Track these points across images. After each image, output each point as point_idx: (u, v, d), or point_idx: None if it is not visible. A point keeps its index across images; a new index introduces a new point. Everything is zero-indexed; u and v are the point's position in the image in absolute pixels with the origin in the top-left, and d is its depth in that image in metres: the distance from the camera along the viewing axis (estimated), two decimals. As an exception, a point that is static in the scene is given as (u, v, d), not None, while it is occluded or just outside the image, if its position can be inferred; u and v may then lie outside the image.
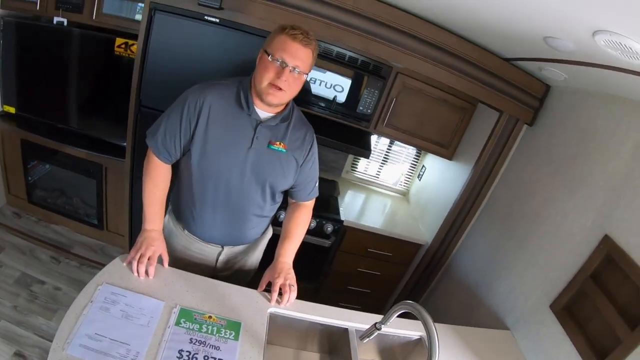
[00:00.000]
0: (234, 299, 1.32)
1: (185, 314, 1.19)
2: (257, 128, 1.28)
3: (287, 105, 1.34)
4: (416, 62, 1.93)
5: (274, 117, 1.30)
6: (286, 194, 1.51)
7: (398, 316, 1.14)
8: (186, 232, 1.47)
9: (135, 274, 1.26)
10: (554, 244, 1.69)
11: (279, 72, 1.19)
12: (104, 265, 2.38)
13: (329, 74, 2.07)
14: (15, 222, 2.60)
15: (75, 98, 2.33)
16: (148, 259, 1.27)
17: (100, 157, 2.35)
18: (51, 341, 1.90)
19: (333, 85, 2.10)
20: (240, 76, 1.35)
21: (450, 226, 2.30)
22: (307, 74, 1.26)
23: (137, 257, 1.26)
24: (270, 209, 1.49)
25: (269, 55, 1.19)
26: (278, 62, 1.18)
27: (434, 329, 0.96)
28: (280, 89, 1.20)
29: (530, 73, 2.00)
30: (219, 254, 1.50)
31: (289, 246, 1.45)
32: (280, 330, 1.37)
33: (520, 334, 1.70)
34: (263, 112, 1.29)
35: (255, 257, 1.64)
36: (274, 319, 1.33)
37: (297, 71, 1.20)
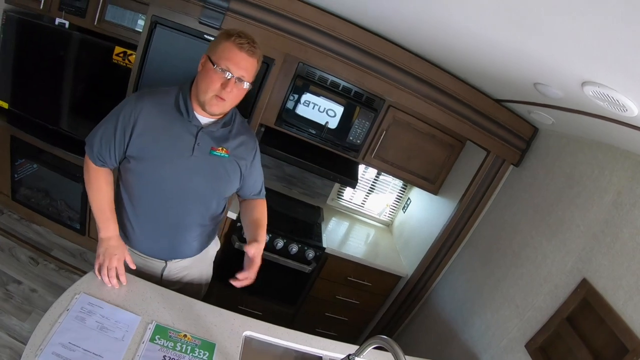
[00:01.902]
0: (209, 319, 1.31)
1: (161, 331, 1.18)
2: (198, 134, 1.25)
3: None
4: (408, 97, 1.97)
5: (215, 123, 1.28)
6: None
7: (373, 348, 1.14)
8: (127, 246, 1.38)
9: (109, 285, 1.25)
10: (532, 285, 1.71)
11: (224, 84, 1.16)
12: (82, 271, 2.40)
13: (320, 98, 2.09)
14: (-4, 217, 2.58)
15: (69, 100, 2.33)
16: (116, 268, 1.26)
17: (88, 162, 2.34)
18: (23, 343, 1.90)
19: (326, 110, 2.12)
20: (179, 84, 1.31)
21: (431, 260, 2.32)
22: (251, 83, 1.23)
23: (105, 270, 1.25)
24: (214, 217, 1.44)
25: (213, 64, 1.16)
26: (222, 72, 1.15)
27: None
28: (223, 99, 1.19)
29: (519, 115, 2.04)
30: (163, 269, 1.44)
31: (262, 233, 1.39)
32: (254, 354, 1.36)
33: None
34: (203, 118, 1.26)
35: (204, 269, 1.59)
36: (248, 343, 1.33)
37: (242, 81, 1.19)
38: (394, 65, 1.91)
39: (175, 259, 1.44)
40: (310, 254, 2.28)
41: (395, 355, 1.00)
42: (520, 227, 1.92)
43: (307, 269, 2.29)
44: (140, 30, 2.10)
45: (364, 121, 2.13)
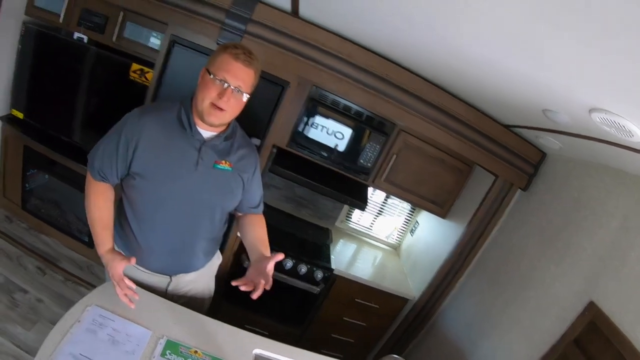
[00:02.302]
0: (220, 336, 1.31)
1: (172, 346, 1.19)
2: (201, 148, 1.26)
3: (229, 124, 1.32)
4: (419, 122, 2.00)
5: (217, 136, 1.28)
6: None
7: (390, 352, 1.13)
8: (127, 261, 1.31)
9: (124, 301, 1.25)
10: (540, 308, 1.71)
11: (221, 92, 1.18)
12: (89, 283, 2.40)
13: (331, 120, 2.13)
14: (5, 226, 2.59)
15: (83, 114, 2.35)
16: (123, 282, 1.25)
17: (100, 175, 2.35)
18: (27, 352, 1.89)
19: (337, 133, 2.15)
20: (180, 98, 1.32)
21: (439, 283, 2.32)
22: (249, 94, 1.24)
23: (118, 289, 1.25)
24: (219, 230, 1.46)
25: (210, 75, 1.18)
26: (220, 82, 1.17)
27: None
28: (222, 109, 1.19)
29: (527, 140, 2.07)
30: (168, 284, 1.44)
31: (268, 250, 1.37)
32: None
33: None
34: (206, 132, 1.27)
35: (207, 283, 1.58)
36: None
37: (239, 91, 1.20)
38: (407, 90, 1.94)
39: (180, 273, 1.44)
40: (319, 275, 2.28)
41: None
42: (528, 250, 1.93)
43: (316, 289, 2.29)
44: (158, 49, 2.13)
45: (374, 145, 2.15)
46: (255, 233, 1.44)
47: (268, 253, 1.33)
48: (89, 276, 2.46)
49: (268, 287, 1.20)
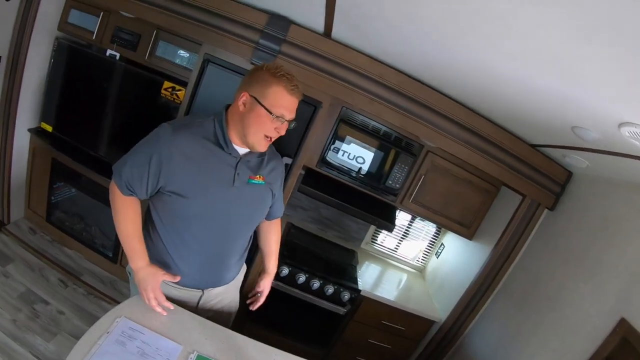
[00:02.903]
0: (250, 352, 1.30)
1: None
2: (237, 165, 1.26)
3: None
4: (449, 142, 2.01)
5: (251, 153, 1.30)
6: None
7: None
8: (162, 275, 1.32)
9: (158, 310, 1.27)
10: (569, 329, 1.69)
11: (278, 127, 1.21)
12: (111, 298, 2.40)
13: (359, 142, 2.14)
14: (29, 237, 2.60)
15: (112, 130, 2.39)
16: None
17: (127, 190, 2.36)
18: (46, 363, 1.88)
19: (363, 154, 2.16)
20: (209, 114, 1.30)
21: (465, 305, 2.29)
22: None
23: (146, 302, 1.26)
24: (249, 242, 1.49)
25: (268, 111, 1.18)
26: (277, 118, 1.19)
27: None
28: (271, 138, 1.24)
29: (554, 159, 2.08)
30: (200, 298, 1.42)
31: (274, 262, 1.62)
32: None
33: None
34: (241, 149, 1.28)
35: (234, 295, 1.59)
36: None
37: (291, 121, 1.24)
38: (437, 111, 1.96)
39: (213, 287, 1.44)
40: (346, 295, 2.26)
41: None
42: (556, 271, 1.91)
43: (342, 310, 2.27)
44: (190, 68, 2.17)
45: (402, 166, 2.16)
46: (268, 241, 1.59)
47: (270, 268, 1.60)
48: (112, 291, 2.45)
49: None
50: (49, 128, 2.50)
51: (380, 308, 2.33)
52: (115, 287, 2.49)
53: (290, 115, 1.21)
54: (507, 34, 1.03)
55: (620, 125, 1.20)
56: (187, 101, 2.02)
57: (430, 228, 2.95)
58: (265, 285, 1.59)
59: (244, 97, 1.21)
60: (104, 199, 2.40)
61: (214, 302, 1.48)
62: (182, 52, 2.23)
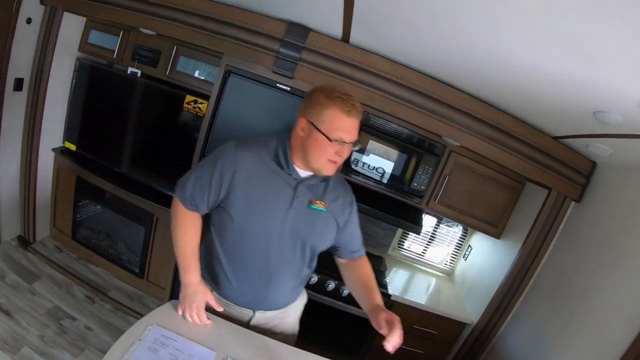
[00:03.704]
0: (286, 358, 1.28)
1: None
2: (297, 187, 1.24)
3: None
4: (472, 139, 2.01)
5: (314, 176, 1.26)
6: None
7: None
8: (215, 293, 1.37)
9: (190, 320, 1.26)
10: (605, 319, 1.66)
11: (339, 151, 1.17)
12: (139, 314, 2.41)
13: (382, 145, 2.16)
14: (55, 255, 2.63)
15: (136, 146, 2.43)
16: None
17: (153, 206, 2.37)
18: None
19: (386, 157, 2.17)
20: (273, 135, 1.31)
21: (497, 306, 2.24)
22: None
23: (187, 316, 1.25)
24: (306, 272, 1.41)
25: (326, 136, 1.14)
26: (336, 142, 1.15)
27: None
28: (337, 162, 1.20)
29: (577, 150, 2.07)
30: (251, 318, 1.39)
31: (378, 295, 1.31)
32: None
33: None
34: (303, 172, 1.25)
35: (292, 322, 1.52)
36: None
37: (353, 142, 1.19)
38: (458, 109, 1.97)
39: (264, 310, 1.40)
40: (375, 300, 2.22)
41: None
42: (587, 262, 1.89)
43: (371, 314, 2.23)
44: (211, 81, 2.21)
45: (426, 167, 2.16)
46: (358, 279, 1.38)
47: (375, 298, 1.28)
48: (139, 306, 2.45)
49: (396, 340, 1.16)
50: (73, 147, 2.55)
51: (410, 312, 2.29)
52: (142, 303, 2.49)
53: (350, 137, 1.16)
54: (524, 19, 1.04)
55: (641, 103, 1.20)
56: (210, 113, 2.06)
57: (456, 231, 2.92)
58: (388, 317, 1.20)
59: (302, 123, 1.19)
60: (129, 214, 2.47)
61: (269, 325, 1.44)
62: (202, 66, 2.27)
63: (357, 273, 1.41)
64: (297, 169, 1.25)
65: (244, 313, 1.39)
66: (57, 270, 2.52)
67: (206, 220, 1.35)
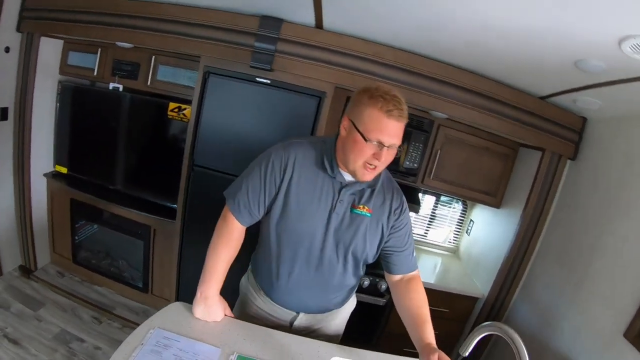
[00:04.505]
0: (294, 348, 1.24)
1: None
2: (341, 191, 1.20)
3: None
4: (458, 109, 2.00)
5: (359, 182, 1.20)
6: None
7: None
8: (262, 293, 1.38)
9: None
10: (617, 273, 1.64)
11: (377, 154, 1.09)
12: (148, 326, 2.36)
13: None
14: (58, 280, 2.61)
15: (125, 160, 2.43)
16: None
17: (149, 218, 2.36)
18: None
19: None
20: (322, 137, 1.29)
21: (505, 275, 2.21)
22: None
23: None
24: (352, 279, 1.35)
25: (363, 136, 1.08)
26: (375, 144, 1.08)
27: (523, 349, 0.87)
28: (376, 167, 1.13)
29: (566, 108, 2.05)
30: (294, 319, 1.37)
31: (428, 329, 1.18)
32: None
33: None
34: (348, 176, 1.20)
35: (336, 325, 1.46)
36: None
37: (393, 147, 1.11)
38: (440, 80, 1.95)
39: (307, 312, 1.37)
40: (383, 285, 2.19)
41: (508, 338, 0.92)
42: (591, 219, 1.87)
43: (382, 301, 2.20)
44: (193, 85, 2.21)
45: (417, 144, 2.15)
46: (409, 309, 1.25)
47: (427, 336, 1.14)
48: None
49: None
50: (64, 170, 2.55)
51: (420, 294, 2.26)
52: (149, 316, 2.46)
53: (390, 140, 1.08)
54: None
55: (621, 41, 1.18)
56: (194, 117, 2.05)
57: (455, 209, 2.90)
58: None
59: (345, 122, 1.15)
60: (126, 229, 2.46)
61: (312, 328, 1.41)
62: (182, 72, 2.27)
63: (408, 300, 1.27)
64: (342, 172, 1.20)
65: (287, 313, 1.36)
66: (62, 294, 2.50)
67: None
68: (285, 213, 1.21)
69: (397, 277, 1.35)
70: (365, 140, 1.08)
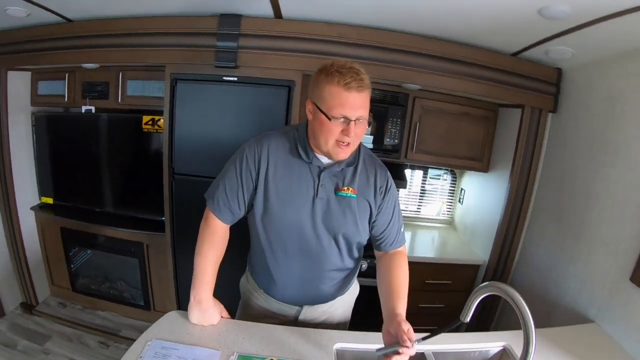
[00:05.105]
0: (294, 340, 1.23)
1: None
2: (320, 175, 1.17)
3: None
4: (430, 78, 1.97)
5: (337, 163, 1.18)
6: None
7: (472, 329, 1.02)
8: (262, 291, 1.36)
9: None
10: (614, 217, 1.61)
11: (345, 130, 1.06)
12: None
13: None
14: (60, 311, 2.60)
15: (109, 180, 2.42)
16: None
17: (139, 235, 2.35)
18: None
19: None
20: (295, 125, 1.26)
21: (503, 238, 2.19)
22: (370, 114, 1.11)
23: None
24: (350, 262, 1.32)
25: (327, 117, 1.05)
26: (340, 120, 1.06)
27: (523, 304, 0.84)
28: (348, 144, 1.10)
29: (539, 61, 2.02)
30: (298, 313, 1.35)
31: (401, 303, 1.16)
32: None
33: (606, 322, 1.56)
34: (324, 158, 1.18)
35: (341, 313, 1.43)
36: (342, 356, 1.23)
37: (362, 120, 1.07)
38: (408, 51, 1.93)
39: (310, 304, 1.35)
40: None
41: (507, 296, 0.89)
42: (581, 168, 1.85)
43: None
44: (162, 95, 2.19)
45: (394, 120, 2.12)
46: (388, 279, 1.23)
47: (398, 308, 1.12)
48: (153, 336, 2.41)
49: (409, 353, 1.00)
50: (50, 200, 2.54)
51: (420, 269, 2.21)
52: (154, 332, 2.45)
53: (354, 113, 1.04)
54: None
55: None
56: (167, 126, 2.03)
57: (444, 182, 2.88)
58: (397, 329, 1.03)
59: (309, 105, 1.13)
60: (119, 249, 2.45)
61: (318, 320, 1.39)
62: (150, 84, 2.25)
63: (389, 276, 1.24)
64: (317, 156, 1.17)
65: (291, 309, 1.35)
66: (66, 324, 2.49)
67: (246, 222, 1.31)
68: (267, 206, 1.19)
69: (383, 252, 1.34)
70: (330, 118, 1.05)
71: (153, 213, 2.31)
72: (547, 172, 2.09)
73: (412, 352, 1.00)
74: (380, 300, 1.22)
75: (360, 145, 1.22)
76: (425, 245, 2.59)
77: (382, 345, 1.08)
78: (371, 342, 1.27)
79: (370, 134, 2.14)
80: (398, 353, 1.00)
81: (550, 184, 2.07)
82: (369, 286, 2.13)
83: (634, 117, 1.56)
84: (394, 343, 1.03)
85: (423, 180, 2.87)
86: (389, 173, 1.28)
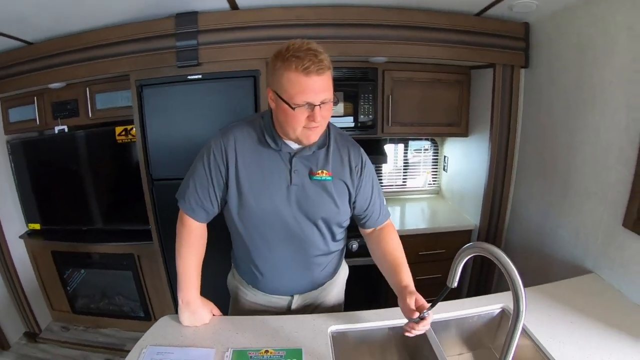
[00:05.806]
0: (288, 327, 1.23)
1: (240, 355, 1.12)
2: (292, 161, 1.14)
3: None
4: (395, 48, 1.95)
5: (308, 147, 1.14)
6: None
7: (473, 294, 1.01)
8: (250, 286, 1.34)
9: None
10: (598, 164, 1.60)
11: (310, 116, 1.02)
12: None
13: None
14: (64, 335, 2.59)
15: (93, 196, 2.40)
16: None
17: (128, 247, 2.34)
18: None
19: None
20: (261, 112, 1.23)
21: (492, 200, 2.18)
22: (334, 93, 1.07)
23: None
24: (335, 246, 1.30)
25: (290, 106, 1.00)
26: (305, 107, 1.01)
27: (508, 262, 0.82)
28: (316, 127, 1.06)
29: (504, 18, 2.00)
30: (289, 303, 1.34)
31: (404, 275, 1.18)
32: (349, 347, 1.26)
33: (604, 270, 1.54)
34: (293, 144, 1.14)
35: (333, 296, 1.42)
36: (337, 338, 1.22)
37: (326, 102, 1.03)
38: (369, 24, 1.90)
39: (300, 293, 1.34)
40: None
41: (491, 255, 0.85)
42: (560, 120, 1.83)
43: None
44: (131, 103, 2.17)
45: (366, 95, 2.10)
46: (384, 257, 1.24)
47: (405, 278, 1.16)
48: (157, 346, 2.40)
49: (419, 330, 1.06)
50: (37, 226, 2.52)
51: (411, 241, 2.19)
52: (158, 341, 2.44)
53: (317, 97, 1.00)
54: None
55: None
56: (139, 133, 2.01)
57: (426, 151, 2.86)
58: (418, 303, 1.08)
59: (270, 94, 1.08)
60: (111, 264, 2.43)
61: (313, 305, 1.38)
62: (118, 94, 2.22)
63: (383, 248, 1.27)
64: (286, 142, 1.14)
65: (282, 300, 1.33)
66: (71, 347, 2.48)
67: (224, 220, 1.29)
68: (242, 200, 1.15)
69: (370, 229, 1.33)
70: (293, 107, 1.00)
71: (140, 223, 2.27)
72: (527, 128, 2.08)
73: (427, 323, 1.06)
74: (385, 277, 1.23)
75: (329, 125, 1.19)
76: (416, 217, 2.57)
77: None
78: (366, 320, 1.28)
79: (345, 114, 2.12)
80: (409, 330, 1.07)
81: (532, 140, 2.05)
82: (363, 265, 2.14)
83: (606, 62, 1.53)
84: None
85: (405, 153, 2.85)
86: (362, 149, 1.26)
